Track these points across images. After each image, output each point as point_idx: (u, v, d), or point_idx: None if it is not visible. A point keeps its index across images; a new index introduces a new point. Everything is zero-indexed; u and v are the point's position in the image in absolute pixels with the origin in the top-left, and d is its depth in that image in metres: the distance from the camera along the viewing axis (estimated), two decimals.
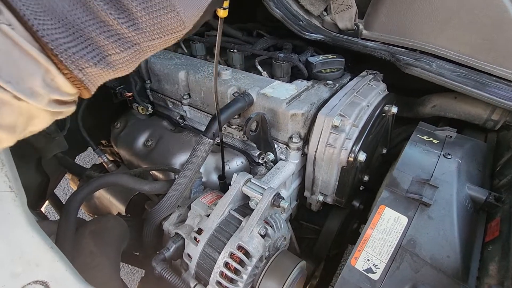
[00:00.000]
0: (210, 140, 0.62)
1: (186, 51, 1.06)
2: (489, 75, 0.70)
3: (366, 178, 0.81)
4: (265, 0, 0.87)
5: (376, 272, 0.52)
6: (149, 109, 0.93)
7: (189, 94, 0.89)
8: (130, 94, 0.89)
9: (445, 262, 0.49)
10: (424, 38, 0.77)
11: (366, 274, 0.52)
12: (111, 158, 1.06)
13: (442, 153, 0.61)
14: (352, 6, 0.84)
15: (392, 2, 0.77)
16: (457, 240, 0.51)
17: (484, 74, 0.70)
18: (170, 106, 0.99)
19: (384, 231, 0.53)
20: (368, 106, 0.68)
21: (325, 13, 0.95)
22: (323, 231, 0.89)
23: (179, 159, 0.88)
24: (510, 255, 0.43)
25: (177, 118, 0.99)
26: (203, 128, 0.92)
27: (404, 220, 0.53)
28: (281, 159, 0.73)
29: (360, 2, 0.85)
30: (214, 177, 0.82)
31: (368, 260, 0.52)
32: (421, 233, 0.52)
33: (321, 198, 0.74)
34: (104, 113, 1.07)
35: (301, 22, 0.89)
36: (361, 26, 0.86)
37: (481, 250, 0.51)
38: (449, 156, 0.60)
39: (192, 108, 0.90)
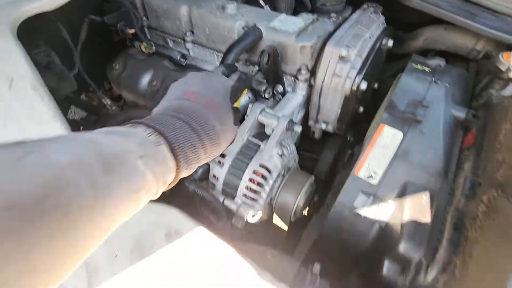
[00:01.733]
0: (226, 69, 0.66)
1: None
2: (479, 6, 0.76)
3: (361, 109, 0.90)
4: None
5: (375, 178, 0.63)
6: (153, 47, 0.92)
7: (192, 31, 0.88)
8: (132, 31, 0.87)
9: (431, 166, 0.61)
10: None
11: (367, 180, 0.63)
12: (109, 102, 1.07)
13: (433, 79, 0.70)
14: None
15: None
16: (441, 150, 0.62)
17: (474, 5, 0.76)
18: (171, 45, 0.98)
19: (384, 146, 0.64)
20: (370, 37, 0.73)
21: None
22: (321, 157, 1.00)
23: None
24: (482, 154, 0.55)
25: (179, 57, 0.99)
26: (207, 67, 0.94)
27: (400, 135, 0.63)
28: (288, 91, 0.79)
29: None
30: None
31: (369, 169, 0.64)
32: (413, 145, 0.62)
33: (323, 126, 0.83)
34: (101, 53, 1.04)
35: None
36: None
37: (458, 156, 0.63)
38: (439, 82, 0.69)
39: (195, 45, 0.91)
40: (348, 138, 1.01)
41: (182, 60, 1.00)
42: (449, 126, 0.65)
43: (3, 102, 0.46)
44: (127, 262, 0.49)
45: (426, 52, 0.96)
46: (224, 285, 0.47)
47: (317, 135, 0.89)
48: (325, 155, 1.00)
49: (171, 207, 0.56)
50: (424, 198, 0.58)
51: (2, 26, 0.50)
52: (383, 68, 1.03)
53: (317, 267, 0.57)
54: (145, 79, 0.99)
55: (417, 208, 0.57)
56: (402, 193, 0.60)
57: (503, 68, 0.63)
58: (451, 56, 0.89)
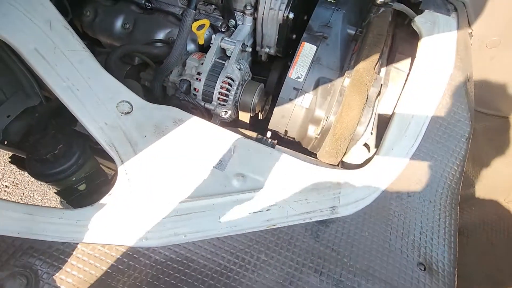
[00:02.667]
0: (193, 10, 0.91)
1: None
2: None
3: (294, 36, 1.22)
4: None
5: (301, 78, 0.98)
6: None
7: None
8: None
9: (333, 65, 0.97)
10: None
11: (296, 79, 0.98)
12: None
13: (335, 8, 1.03)
14: None
15: None
16: (339, 55, 0.98)
17: None
18: None
19: (305, 56, 0.98)
20: None
21: None
22: (269, 78, 1.33)
23: (159, 36, 1.13)
24: (361, 50, 0.91)
25: (143, 2, 1.17)
26: (171, 9, 1.15)
27: (314, 48, 0.97)
28: (239, 24, 1.06)
29: None
30: (191, 46, 1.13)
31: (297, 72, 0.98)
32: (322, 53, 0.97)
33: (267, 49, 1.14)
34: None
35: None
36: None
37: (350, 58, 1.00)
38: (339, 9, 1.02)
39: None
40: (288, 63, 1.35)
41: (146, 4, 1.19)
42: (345, 39, 1.01)
43: (51, 40, 0.68)
44: (153, 139, 0.80)
45: None
46: (214, 140, 0.81)
47: (263, 58, 1.20)
48: (272, 75, 1.33)
49: (173, 107, 0.85)
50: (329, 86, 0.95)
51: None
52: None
53: (269, 133, 0.94)
54: (118, 23, 1.17)
55: (325, 90, 0.94)
56: (317, 84, 0.97)
57: None
58: None
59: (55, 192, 0.77)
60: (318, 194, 0.77)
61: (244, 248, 0.67)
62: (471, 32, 0.99)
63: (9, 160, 1.07)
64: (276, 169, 0.78)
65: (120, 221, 0.67)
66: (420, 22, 0.92)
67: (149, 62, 1.07)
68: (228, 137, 0.82)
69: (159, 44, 1.08)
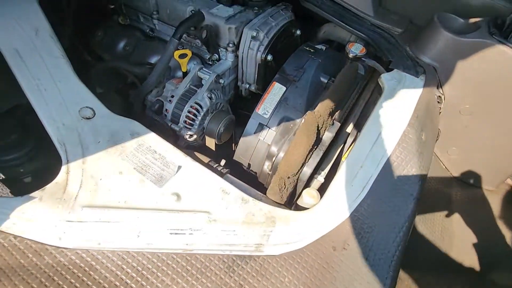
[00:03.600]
0: (176, 40, 1.00)
1: None
2: (348, 10, 1.15)
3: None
4: None
5: (267, 114, 1.01)
6: (128, 20, 1.24)
7: (157, 11, 1.21)
8: (113, 5, 1.18)
9: (299, 107, 1.00)
10: None
11: (262, 115, 1.01)
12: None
13: (312, 56, 1.09)
14: None
15: None
16: (305, 98, 1.01)
17: (348, 11, 1.15)
18: (142, 20, 1.30)
19: (273, 94, 1.02)
20: (276, 25, 1.11)
21: None
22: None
23: (152, 60, 1.24)
24: (322, 96, 0.94)
25: (148, 30, 1.31)
26: (167, 38, 1.27)
27: (283, 88, 1.02)
28: (222, 59, 1.15)
29: None
30: (178, 73, 1.21)
31: (264, 108, 1.02)
32: (291, 94, 1.01)
33: (247, 86, 1.21)
34: (85, 25, 1.33)
35: None
36: None
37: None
38: (315, 58, 1.08)
39: (160, 22, 1.23)
40: None
41: (150, 32, 1.32)
42: (316, 85, 1.05)
43: (33, 44, 0.77)
44: (105, 146, 0.83)
45: (329, 42, 1.35)
46: (164, 156, 0.83)
47: (243, 93, 1.26)
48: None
49: (134, 121, 0.90)
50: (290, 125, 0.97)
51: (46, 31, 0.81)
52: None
53: (223, 161, 0.95)
54: (121, 45, 1.30)
55: (286, 129, 0.96)
56: (280, 123, 0.99)
57: (347, 51, 1.02)
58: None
59: (0, 180, 0.80)
60: (248, 228, 0.74)
61: (151, 268, 0.65)
62: (440, 96, 1.00)
63: None
64: (213, 195, 0.78)
65: (41, 217, 0.68)
66: (385, 78, 0.95)
67: (135, 81, 1.16)
68: (177, 157, 0.84)
69: (148, 66, 1.18)
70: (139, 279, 0.63)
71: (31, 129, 0.90)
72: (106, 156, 0.81)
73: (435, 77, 0.99)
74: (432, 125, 0.89)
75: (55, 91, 0.82)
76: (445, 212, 1.27)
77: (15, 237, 0.65)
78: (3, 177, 0.79)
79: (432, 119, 0.90)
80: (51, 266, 0.62)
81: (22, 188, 0.83)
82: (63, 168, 0.77)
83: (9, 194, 0.78)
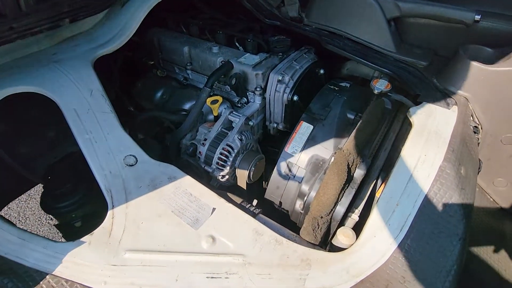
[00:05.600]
0: (208, 88, 1.09)
1: (185, 31, 1.48)
2: (372, 49, 1.19)
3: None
4: None
5: (296, 153, 1.04)
6: (165, 72, 1.37)
7: (191, 63, 1.33)
8: (152, 62, 1.32)
9: (326, 143, 1.01)
10: (340, 27, 1.24)
11: (292, 154, 1.04)
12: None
13: (337, 94, 1.12)
14: (296, 2, 1.28)
15: (319, 3, 1.22)
16: (333, 135, 1.03)
17: (369, 49, 1.19)
18: (177, 71, 1.43)
19: (301, 133, 1.05)
20: (300, 68, 1.17)
21: (282, 5, 1.39)
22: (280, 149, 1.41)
23: (186, 106, 1.34)
24: (351, 134, 0.95)
25: (182, 79, 1.44)
26: (201, 86, 1.38)
27: (310, 127, 1.05)
28: (250, 101, 1.21)
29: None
30: (210, 117, 1.30)
31: (293, 147, 1.04)
32: (318, 132, 1.03)
33: (275, 125, 1.25)
34: (128, 79, 1.50)
35: (264, 12, 1.33)
36: (303, 16, 1.31)
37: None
38: (340, 95, 1.11)
39: (193, 72, 1.36)
40: None
41: (184, 81, 1.45)
42: (343, 122, 1.06)
43: (88, 103, 0.89)
44: (146, 190, 0.90)
45: (351, 78, 1.39)
46: (199, 199, 0.87)
47: (272, 132, 1.30)
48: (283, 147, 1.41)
49: (171, 165, 0.96)
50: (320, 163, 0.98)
51: (87, 61, 0.95)
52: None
53: (255, 201, 0.96)
54: (159, 94, 1.43)
55: (316, 167, 0.97)
56: (310, 161, 1.01)
57: (372, 88, 1.04)
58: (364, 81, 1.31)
59: (54, 225, 0.88)
60: (283, 271, 0.73)
61: None
62: (476, 126, 0.96)
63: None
64: (246, 237, 0.79)
65: (89, 261, 0.73)
66: (414, 112, 0.94)
67: (171, 126, 1.26)
68: (211, 198, 0.88)
69: (183, 113, 1.28)
70: None
71: (82, 176, 0.99)
72: (146, 201, 0.87)
73: (468, 107, 0.97)
74: (471, 157, 0.85)
75: (103, 142, 0.91)
76: (499, 249, 1.16)
77: (67, 281, 0.70)
78: (57, 222, 0.88)
79: (470, 151, 0.86)
80: None
81: (72, 231, 0.90)
82: (109, 213, 0.83)
83: (62, 239, 0.85)
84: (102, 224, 0.81)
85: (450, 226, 0.75)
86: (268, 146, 1.47)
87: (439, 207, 0.76)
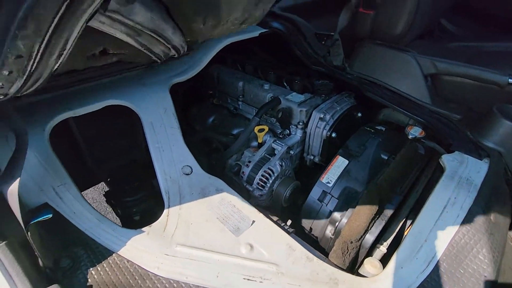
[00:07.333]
0: (258, 118, 1.26)
1: (240, 69, 1.71)
2: (408, 99, 1.31)
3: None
4: (291, 45, 1.52)
5: (331, 183, 1.13)
6: (220, 102, 1.59)
7: (243, 95, 1.54)
8: (211, 91, 1.55)
9: (360, 179, 1.10)
10: (379, 77, 1.38)
11: (326, 184, 1.14)
12: None
13: (372, 136, 1.22)
14: (341, 53, 1.47)
15: (361, 57, 1.40)
16: (367, 171, 1.12)
17: (405, 99, 1.31)
18: (229, 101, 1.64)
19: (337, 166, 1.15)
20: (340, 109, 1.31)
21: (327, 54, 1.58)
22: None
23: (234, 131, 1.52)
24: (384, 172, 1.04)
25: (232, 108, 1.64)
26: (249, 116, 1.56)
27: (346, 162, 1.15)
28: (292, 134, 1.36)
29: (347, 51, 1.48)
30: (254, 143, 1.45)
31: (328, 178, 1.14)
32: (353, 167, 1.13)
33: (312, 157, 1.37)
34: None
35: (311, 59, 1.53)
36: (346, 65, 1.49)
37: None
38: (374, 137, 1.21)
39: (244, 103, 1.55)
40: None
41: (234, 110, 1.65)
42: (376, 161, 1.15)
43: (162, 119, 1.10)
44: (197, 197, 1.03)
45: (386, 123, 1.49)
46: (240, 211, 0.98)
47: (308, 163, 1.41)
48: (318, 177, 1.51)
49: (219, 179, 1.10)
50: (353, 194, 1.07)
51: (165, 86, 1.18)
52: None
53: (289, 221, 1.06)
54: (211, 119, 1.64)
55: (348, 198, 1.06)
56: (343, 192, 1.10)
57: (407, 132, 1.14)
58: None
59: (117, 214, 1.04)
60: (312, 285, 0.80)
61: None
62: (509, 179, 1.00)
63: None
64: (281, 250, 0.88)
65: (147, 247, 0.86)
66: (447, 159, 1.02)
67: (219, 147, 1.43)
68: (252, 212, 0.99)
69: (231, 137, 1.45)
70: None
71: (145, 179, 1.17)
72: (196, 206, 1.00)
73: (501, 160, 1.02)
74: (503, 207, 0.89)
75: (168, 152, 1.09)
76: None
77: (128, 261, 0.83)
78: (120, 214, 1.03)
79: (502, 201, 0.91)
80: None
81: (131, 224, 1.05)
82: (165, 212, 0.97)
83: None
84: (159, 220, 0.95)
85: (476, 268, 0.78)
86: (303, 177, 1.57)
87: (468, 247, 0.81)
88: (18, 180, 0.71)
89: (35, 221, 0.71)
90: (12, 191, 0.70)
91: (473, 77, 1.20)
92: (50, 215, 0.73)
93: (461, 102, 1.28)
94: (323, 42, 1.56)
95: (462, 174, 0.96)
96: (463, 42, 1.54)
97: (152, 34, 0.86)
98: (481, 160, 1.02)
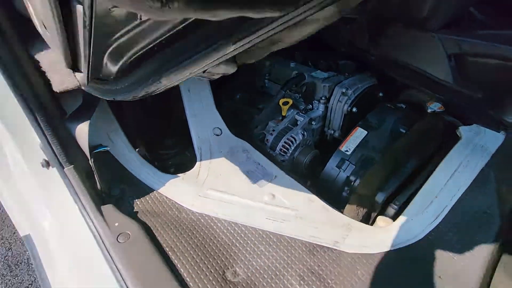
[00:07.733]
0: (283, 92, 1.36)
1: None
2: (431, 79, 1.35)
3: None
4: None
5: (349, 151, 1.21)
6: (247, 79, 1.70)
7: (269, 73, 1.64)
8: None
9: (377, 147, 1.17)
10: (402, 57, 1.44)
11: (345, 152, 1.21)
12: None
13: (392, 111, 1.28)
14: (366, 35, 1.53)
15: (385, 38, 1.45)
16: (385, 142, 1.18)
17: (427, 79, 1.36)
18: (256, 79, 1.75)
19: (356, 136, 1.23)
20: (362, 86, 1.38)
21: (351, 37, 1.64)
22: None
23: (261, 106, 1.63)
24: (400, 140, 1.10)
25: (259, 87, 1.75)
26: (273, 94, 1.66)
27: (364, 132, 1.22)
28: (314, 108, 1.45)
29: (371, 33, 1.54)
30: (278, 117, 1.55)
31: (347, 147, 1.22)
32: (371, 138, 1.20)
33: (332, 132, 1.45)
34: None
35: (337, 41, 1.61)
36: (371, 47, 1.55)
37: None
38: (394, 113, 1.27)
39: (270, 81, 1.66)
40: None
41: (261, 88, 1.76)
42: (394, 134, 1.21)
43: (198, 88, 1.24)
44: (226, 154, 1.15)
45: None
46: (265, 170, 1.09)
47: (328, 138, 1.49)
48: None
49: (246, 142, 1.21)
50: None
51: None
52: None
53: (309, 181, 1.15)
54: (238, 96, 1.75)
55: (365, 163, 1.13)
56: (360, 159, 1.17)
57: (426, 107, 1.18)
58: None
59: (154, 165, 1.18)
60: (329, 228, 0.89)
61: (250, 237, 0.85)
62: None
63: None
64: (300, 200, 0.97)
65: (183, 189, 0.99)
66: (464, 130, 1.06)
67: (246, 119, 1.54)
68: (275, 169, 1.09)
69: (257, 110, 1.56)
70: (241, 242, 0.84)
71: (181, 135, 1.30)
72: (224, 161, 1.12)
73: None
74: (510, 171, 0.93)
75: (203, 116, 1.22)
76: None
77: (167, 198, 0.96)
78: (156, 164, 1.17)
79: None
80: (186, 220, 0.89)
81: None
82: (197, 164, 1.10)
83: None
84: (192, 169, 1.08)
85: (484, 222, 0.84)
86: (323, 152, 1.65)
87: (477, 203, 0.86)
88: (89, 121, 0.86)
89: (97, 151, 0.85)
90: (83, 128, 0.85)
91: (499, 56, 1.22)
92: (108, 148, 0.88)
93: (485, 82, 1.30)
94: (347, 26, 1.63)
95: (477, 142, 1.00)
96: (492, 30, 1.54)
97: None
98: (499, 132, 1.05)
